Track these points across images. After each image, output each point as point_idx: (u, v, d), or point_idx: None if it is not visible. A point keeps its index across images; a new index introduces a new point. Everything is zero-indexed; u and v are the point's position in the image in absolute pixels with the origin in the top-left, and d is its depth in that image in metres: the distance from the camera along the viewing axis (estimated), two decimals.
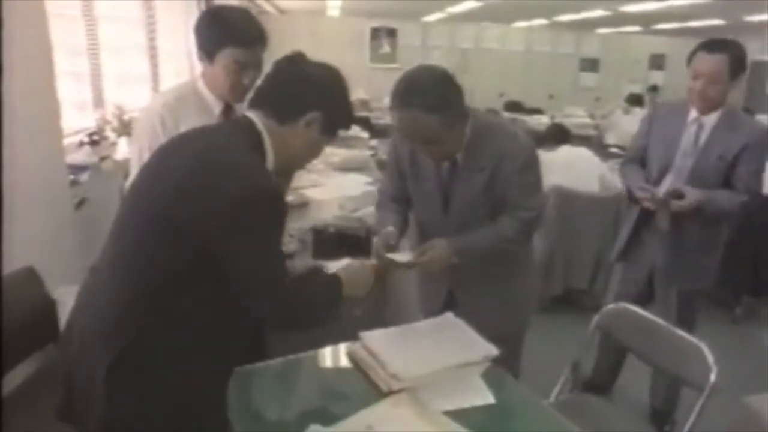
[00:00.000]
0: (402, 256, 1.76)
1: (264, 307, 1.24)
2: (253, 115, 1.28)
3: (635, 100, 8.07)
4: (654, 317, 1.87)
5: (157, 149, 1.30)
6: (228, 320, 1.23)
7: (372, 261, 1.66)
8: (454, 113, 1.65)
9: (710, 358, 1.64)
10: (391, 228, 1.83)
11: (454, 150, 1.75)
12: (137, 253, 1.17)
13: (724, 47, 2.13)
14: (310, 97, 1.29)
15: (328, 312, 1.36)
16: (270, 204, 1.16)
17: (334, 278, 1.40)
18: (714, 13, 7.74)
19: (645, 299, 2.42)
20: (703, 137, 2.24)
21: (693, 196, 2.14)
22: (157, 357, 1.16)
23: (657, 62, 12.11)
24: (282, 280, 1.21)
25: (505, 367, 1.60)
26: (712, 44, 2.15)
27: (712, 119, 2.23)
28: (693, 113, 2.26)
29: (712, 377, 1.62)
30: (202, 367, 1.21)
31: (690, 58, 2.22)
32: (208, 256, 1.14)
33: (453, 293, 1.95)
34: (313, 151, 1.39)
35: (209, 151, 1.20)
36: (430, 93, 1.61)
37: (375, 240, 1.85)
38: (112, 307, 1.17)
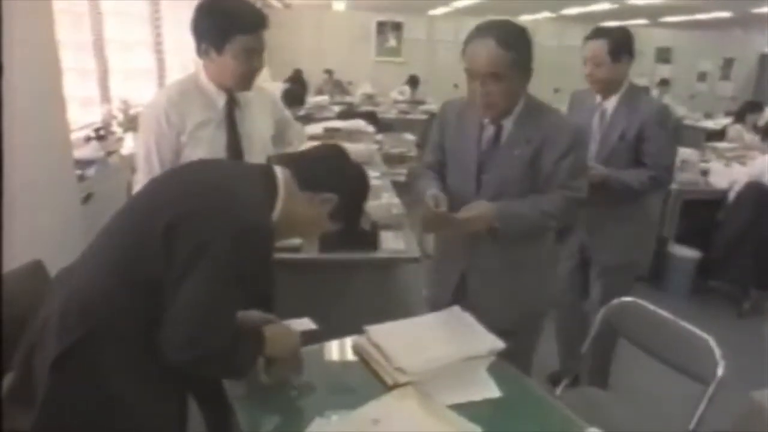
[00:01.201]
0: (443, 210, 1.73)
1: (173, 345, 1.16)
2: (279, 170, 1.34)
3: None
4: (661, 311, 1.86)
5: (171, 170, 1.38)
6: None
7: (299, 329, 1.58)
8: (523, 61, 1.69)
9: (717, 352, 1.63)
10: (437, 191, 1.80)
11: (506, 106, 1.75)
12: (121, 256, 1.20)
13: (605, 33, 2.37)
14: (340, 183, 1.38)
15: (240, 367, 1.31)
16: (261, 241, 1.22)
17: (258, 336, 1.35)
18: (721, 5, 7.67)
19: (583, 281, 2.64)
20: (606, 120, 2.44)
21: (597, 171, 2.30)
22: (100, 363, 1.18)
23: (663, 55, 12.02)
24: (214, 326, 1.17)
25: (514, 362, 1.59)
26: (595, 31, 2.40)
27: (612, 102, 2.43)
28: (597, 98, 2.47)
29: (720, 371, 1.61)
30: (142, 385, 1.23)
31: (582, 49, 2.44)
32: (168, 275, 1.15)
33: (465, 278, 1.89)
34: (315, 227, 1.46)
35: (220, 179, 1.27)
36: (509, 31, 1.68)
37: (426, 198, 1.77)
38: (70, 304, 1.19)
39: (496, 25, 1.68)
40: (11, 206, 1.99)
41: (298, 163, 1.39)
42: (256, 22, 1.80)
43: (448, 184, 1.91)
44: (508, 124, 1.79)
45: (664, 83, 9.77)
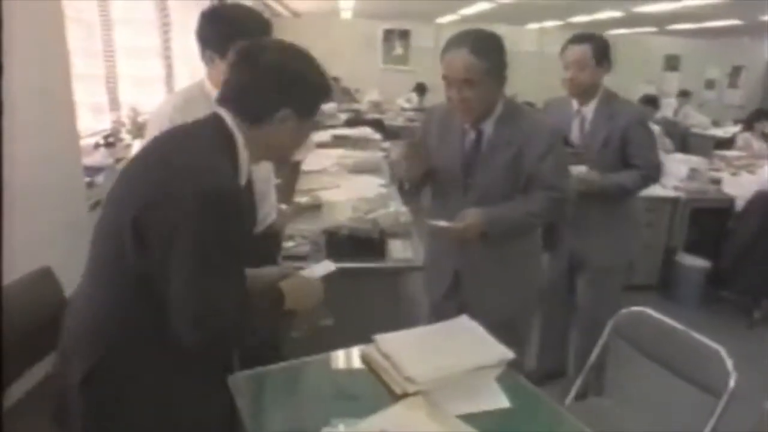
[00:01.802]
0: (441, 222, 1.85)
1: (184, 331, 1.13)
2: (224, 113, 1.23)
3: (649, 101, 7.94)
4: (671, 321, 1.84)
5: (133, 156, 1.28)
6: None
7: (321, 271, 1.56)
8: (497, 68, 1.78)
9: (729, 363, 1.61)
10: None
11: (485, 110, 1.83)
12: (108, 263, 1.18)
13: (588, 39, 2.41)
14: (276, 96, 1.21)
15: (261, 330, 1.29)
16: (228, 203, 1.11)
17: (276, 293, 1.30)
18: (730, 12, 7.65)
19: (572, 286, 2.68)
20: (588, 127, 2.47)
21: (592, 179, 2.37)
22: (131, 372, 1.16)
23: (671, 63, 12.00)
24: (216, 301, 1.12)
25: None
26: (577, 37, 2.43)
27: (591, 108, 2.46)
28: (575, 105, 2.50)
29: (731, 383, 1.59)
30: (179, 383, 1.21)
31: (561, 55, 2.46)
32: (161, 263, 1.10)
33: (459, 275, 2.00)
34: (298, 139, 1.32)
35: (176, 153, 1.18)
36: (483, 40, 1.77)
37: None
38: (88, 319, 1.19)
39: (471, 35, 1.78)
40: (20, 212, 2.00)
41: (230, 100, 1.23)
42: (260, 28, 1.81)
43: (436, 189, 2.01)
44: (488, 128, 1.88)
45: (684, 94, 9.69)
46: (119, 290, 1.16)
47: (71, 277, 2.03)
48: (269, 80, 1.20)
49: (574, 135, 2.49)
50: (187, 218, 1.07)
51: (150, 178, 1.16)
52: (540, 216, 1.89)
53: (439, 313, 1.98)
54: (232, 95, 1.23)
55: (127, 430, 1.18)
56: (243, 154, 1.23)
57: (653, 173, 2.48)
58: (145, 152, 1.25)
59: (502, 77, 1.82)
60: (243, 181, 1.25)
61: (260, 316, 1.25)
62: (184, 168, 1.12)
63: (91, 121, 3.50)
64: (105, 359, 1.15)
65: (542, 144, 1.83)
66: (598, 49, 2.39)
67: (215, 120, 1.23)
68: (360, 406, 1.38)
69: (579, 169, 2.37)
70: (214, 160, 1.15)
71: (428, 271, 2.19)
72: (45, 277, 2.00)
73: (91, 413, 1.16)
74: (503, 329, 1.65)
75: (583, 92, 2.44)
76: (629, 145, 2.41)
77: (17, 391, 1.84)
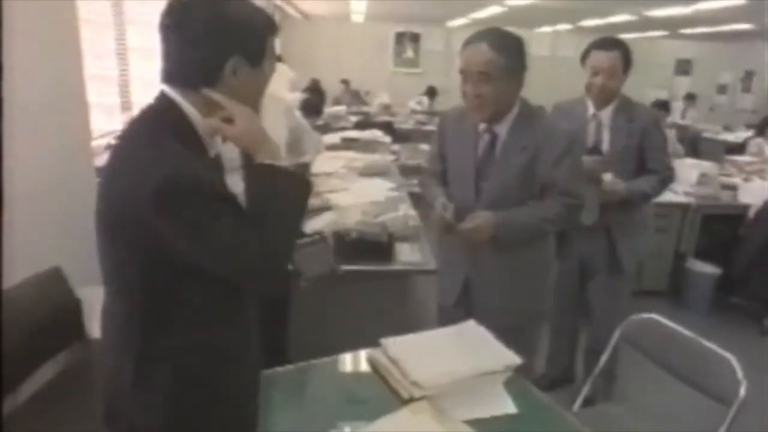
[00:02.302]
0: (447, 214, 1.85)
1: (247, 277, 1.11)
2: (170, 89, 1.12)
3: (661, 106, 7.84)
4: (681, 328, 1.83)
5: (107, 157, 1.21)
6: (226, 304, 1.18)
7: None
8: (514, 67, 1.77)
9: (740, 371, 1.60)
10: (445, 199, 1.91)
11: (497, 108, 1.82)
12: (107, 263, 1.15)
13: (617, 45, 2.36)
14: (217, 47, 1.09)
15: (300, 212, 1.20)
16: (185, 192, 1.02)
17: (261, 171, 1.14)
18: (743, 16, 7.60)
19: (582, 291, 2.67)
20: (605, 132, 2.44)
21: (618, 188, 2.35)
22: (170, 363, 1.13)
23: (683, 67, 11.93)
24: (239, 246, 1.06)
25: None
26: (607, 43, 2.38)
27: (608, 113, 2.43)
28: (591, 109, 2.46)
29: (742, 391, 1.58)
30: (218, 364, 1.18)
31: (584, 57, 2.42)
32: (161, 255, 1.06)
33: (469, 282, 1.99)
34: (258, 87, 1.19)
35: (122, 150, 1.13)
36: (503, 38, 1.77)
37: (436, 205, 1.91)
38: (117, 318, 1.17)
39: (493, 31, 1.78)
40: (31, 212, 2.02)
41: (171, 73, 1.13)
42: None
43: (450, 192, 2.00)
44: (502, 131, 1.87)
45: (690, 98, 9.65)
46: (126, 289, 1.14)
47: (83, 278, 2.06)
48: (205, 33, 1.08)
49: (590, 139, 2.46)
50: (152, 214, 1.01)
51: (103, 179, 1.13)
52: (554, 222, 1.86)
53: (447, 319, 1.97)
54: (173, 67, 1.12)
55: (177, 421, 1.16)
56: (200, 125, 1.13)
57: (670, 176, 2.48)
58: (112, 149, 1.19)
59: (519, 78, 1.81)
60: (212, 153, 1.18)
61: (272, 206, 1.12)
62: (142, 160, 1.05)
63: (103, 122, 3.52)
64: (145, 354, 1.12)
65: (557, 149, 1.81)
66: (627, 55, 2.36)
67: (162, 101, 1.13)
68: (366, 410, 1.38)
69: (607, 177, 2.36)
70: (167, 146, 1.06)
71: (440, 276, 2.19)
72: (54, 277, 2.02)
73: (143, 405, 1.14)
74: (512, 335, 1.65)
75: (606, 98, 2.42)
76: (646, 149, 2.40)
77: (28, 389, 1.85)
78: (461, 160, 1.94)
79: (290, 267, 1.29)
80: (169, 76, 1.13)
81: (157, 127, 1.10)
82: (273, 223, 1.11)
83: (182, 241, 1.04)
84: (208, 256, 1.07)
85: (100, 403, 1.21)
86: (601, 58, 2.36)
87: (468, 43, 1.79)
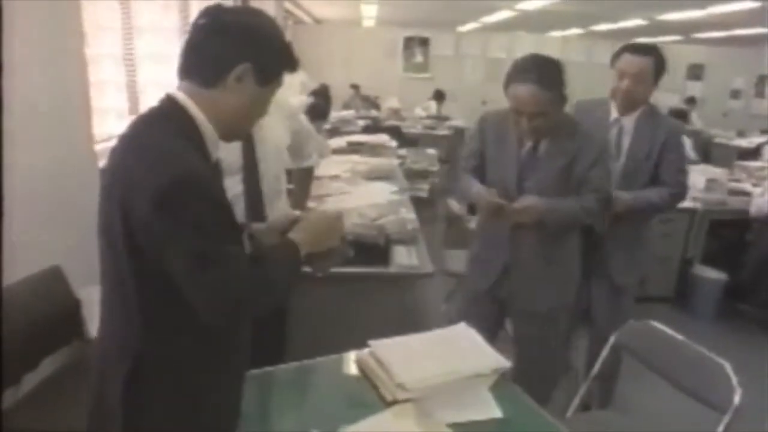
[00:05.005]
0: (497, 199, 1.98)
1: (204, 305, 1.09)
2: (176, 91, 1.15)
3: (679, 116, 7.43)
4: (676, 335, 1.81)
5: (109, 155, 1.21)
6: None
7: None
8: (562, 93, 1.92)
9: (734, 378, 1.58)
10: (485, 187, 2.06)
11: (548, 128, 1.97)
12: (107, 265, 1.16)
13: (650, 51, 2.28)
14: (232, 49, 1.12)
15: (282, 285, 1.21)
16: (191, 194, 1.04)
17: (287, 246, 1.20)
18: (757, 20, 7.51)
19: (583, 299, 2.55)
20: (626, 139, 2.37)
21: (622, 199, 2.28)
22: (165, 369, 1.14)
23: (695, 72, 11.81)
24: (223, 271, 1.06)
25: (546, 347, 2.06)
26: (639, 47, 2.30)
27: (631, 120, 2.37)
28: (614, 113, 2.40)
29: (736, 399, 1.56)
30: (210, 372, 1.19)
31: (614, 60, 2.35)
32: (153, 259, 1.07)
33: (508, 270, 2.12)
34: (257, 107, 1.21)
35: (127, 151, 1.13)
36: (550, 72, 1.89)
37: (481, 190, 2.05)
38: (116, 323, 1.18)
39: (538, 68, 1.88)
40: (35, 214, 2.04)
41: (186, 66, 1.15)
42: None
43: (489, 188, 2.10)
44: (544, 140, 2.02)
45: (691, 101, 9.55)
46: (123, 293, 1.14)
47: (80, 276, 2.09)
48: (226, 33, 1.12)
49: (612, 144, 2.37)
50: (155, 216, 1.03)
51: (108, 180, 1.14)
52: (589, 212, 2.01)
53: (475, 306, 2.22)
54: (187, 61, 1.15)
55: (162, 423, 1.17)
56: (205, 128, 1.14)
57: (683, 192, 2.41)
58: (113, 149, 1.18)
59: (564, 99, 1.95)
60: (214, 157, 1.19)
61: (278, 273, 1.17)
62: (148, 160, 1.07)
63: (112, 126, 3.56)
64: (142, 359, 1.13)
65: (593, 154, 2.00)
66: (659, 63, 2.28)
67: (167, 102, 1.15)
68: (352, 412, 1.38)
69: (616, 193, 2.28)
70: (176, 147, 1.08)
71: (474, 263, 2.28)
72: (54, 277, 2.05)
73: (132, 411, 1.14)
74: (546, 322, 1.93)
75: (632, 104, 2.34)
76: (664, 160, 2.33)
77: (27, 385, 1.87)
78: (503, 161, 2.08)
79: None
80: (181, 70, 1.16)
81: (163, 127, 1.12)
82: (272, 281, 1.16)
83: (181, 240, 1.05)
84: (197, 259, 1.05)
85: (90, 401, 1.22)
86: (630, 61, 2.28)
87: (514, 79, 1.90)
